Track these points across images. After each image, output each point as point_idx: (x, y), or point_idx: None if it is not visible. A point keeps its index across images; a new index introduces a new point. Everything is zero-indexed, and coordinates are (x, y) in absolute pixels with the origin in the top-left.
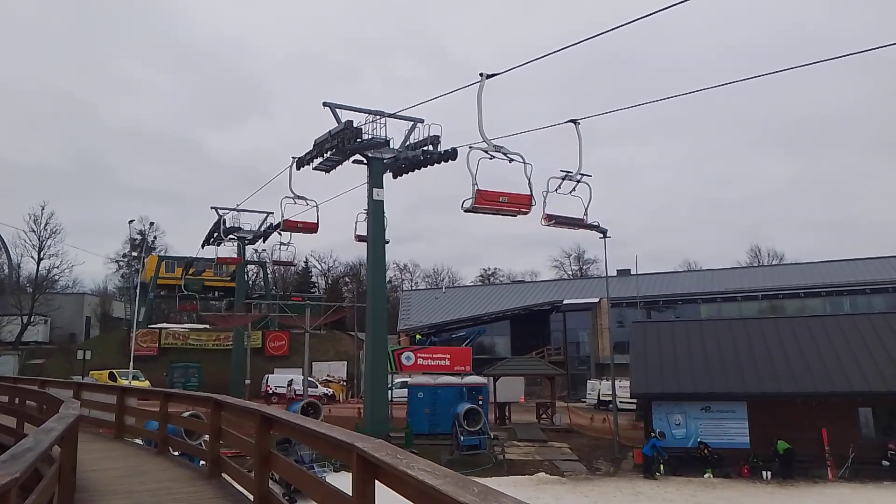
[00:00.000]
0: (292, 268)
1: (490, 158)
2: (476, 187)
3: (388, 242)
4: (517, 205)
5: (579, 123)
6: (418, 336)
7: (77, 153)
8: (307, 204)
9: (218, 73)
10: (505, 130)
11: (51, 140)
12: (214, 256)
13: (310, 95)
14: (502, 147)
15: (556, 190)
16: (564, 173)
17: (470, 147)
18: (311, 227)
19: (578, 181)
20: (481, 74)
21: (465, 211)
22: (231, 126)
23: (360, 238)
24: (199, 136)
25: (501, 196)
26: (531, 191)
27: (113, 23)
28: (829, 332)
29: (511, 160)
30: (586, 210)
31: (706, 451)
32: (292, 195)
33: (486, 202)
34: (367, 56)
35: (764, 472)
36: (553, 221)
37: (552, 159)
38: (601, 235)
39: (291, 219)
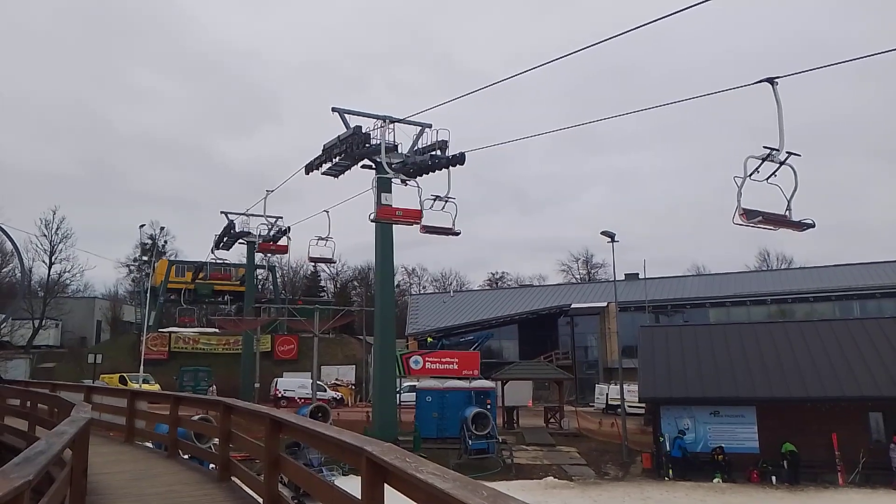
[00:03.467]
0: (332, 264)
1: (405, 185)
2: (379, 204)
3: (459, 233)
4: (410, 217)
5: (776, 83)
6: (430, 339)
7: (90, 161)
8: (279, 228)
9: (229, 81)
10: (513, 134)
11: (65, 148)
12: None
13: (319, 103)
14: (400, 174)
15: (750, 176)
16: (768, 151)
17: (376, 174)
18: (282, 249)
19: (782, 163)
20: (385, 118)
21: (372, 221)
22: (242, 133)
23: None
24: (210, 143)
25: (398, 211)
26: (421, 207)
27: (126, 34)
28: (839, 336)
29: (406, 183)
30: (789, 203)
31: (721, 456)
32: (266, 222)
33: (385, 215)
34: (376, 64)
35: (772, 477)
36: (759, 219)
37: (555, 167)
38: (609, 240)
39: (264, 241)
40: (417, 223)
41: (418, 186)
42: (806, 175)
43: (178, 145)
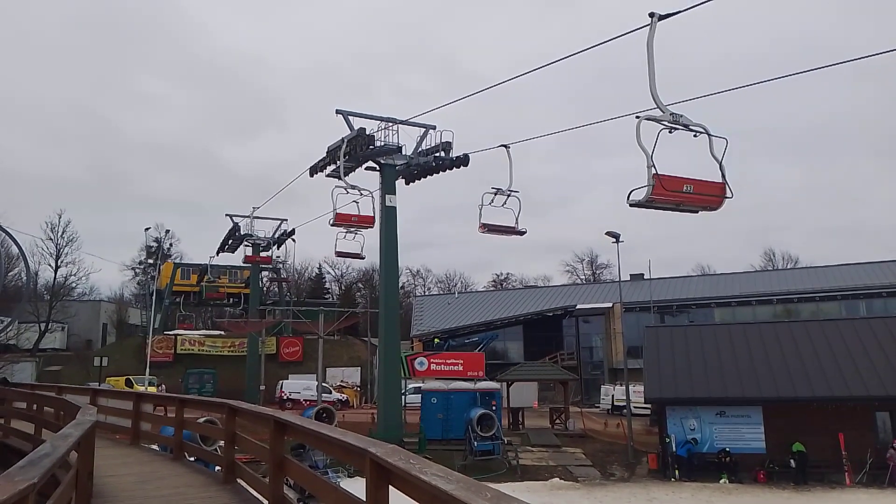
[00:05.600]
0: (360, 259)
1: (346, 192)
2: (335, 211)
3: (524, 233)
4: (364, 222)
5: None
6: (437, 340)
7: (98, 166)
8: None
9: (235, 86)
10: (517, 137)
11: (73, 153)
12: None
13: (324, 107)
14: (357, 186)
15: None
16: None
17: (336, 186)
18: (266, 261)
19: None
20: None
21: (331, 226)
22: (247, 137)
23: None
24: (216, 147)
25: (353, 216)
26: (374, 213)
27: (135, 41)
28: (845, 335)
29: (362, 193)
30: None
31: (727, 457)
32: (252, 236)
33: (342, 221)
34: (381, 69)
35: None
36: None
37: (559, 168)
38: (614, 240)
39: (251, 254)
40: (370, 227)
41: (371, 195)
42: (808, 175)
43: (185, 150)
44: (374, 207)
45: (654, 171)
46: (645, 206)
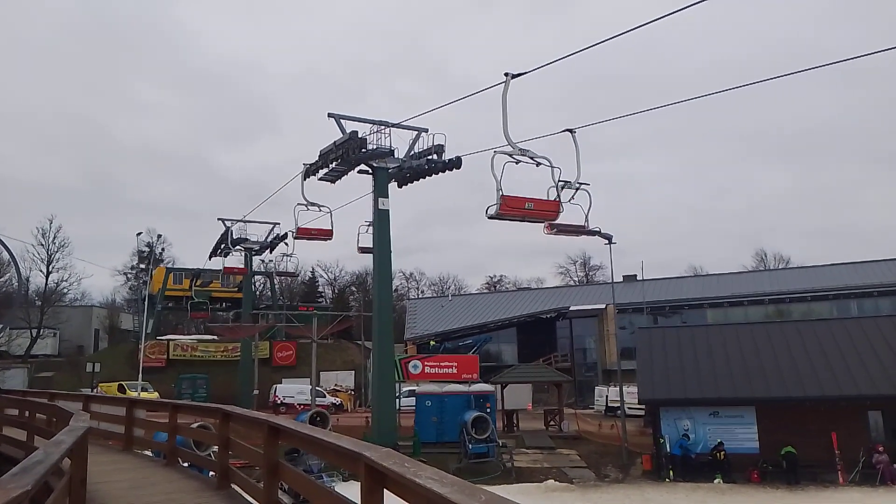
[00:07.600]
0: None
1: (307, 209)
2: (297, 226)
3: (597, 232)
4: (324, 235)
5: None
6: (431, 343)
7: (92, 172)
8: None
9: (229, 92)
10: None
11: (66, 160)
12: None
13: (318, 113)
14: (316, 202)
15: None
16: None
17: (297, 203)
18: (243, 271)
19: None
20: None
21: (294, 238)
22: (241, 143)
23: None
24: (210, 153)
25: (313, 230)
26: (332, 225)
27: (128, 47)
28: (837, 335)
29: (321, 209)
30: None
31: (721, 453)
32: (233, 248)
33: (303, 234)
34: (374, 75)
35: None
36: None
37: (549, 172)
38: (606, 241)
39: (229, 265)
40: (329, 239)
41: (330, 211)
42: (798, 178)
43: (179, 155)
44: (331, 221)
45: (500, 193)
46: (497, 219)
